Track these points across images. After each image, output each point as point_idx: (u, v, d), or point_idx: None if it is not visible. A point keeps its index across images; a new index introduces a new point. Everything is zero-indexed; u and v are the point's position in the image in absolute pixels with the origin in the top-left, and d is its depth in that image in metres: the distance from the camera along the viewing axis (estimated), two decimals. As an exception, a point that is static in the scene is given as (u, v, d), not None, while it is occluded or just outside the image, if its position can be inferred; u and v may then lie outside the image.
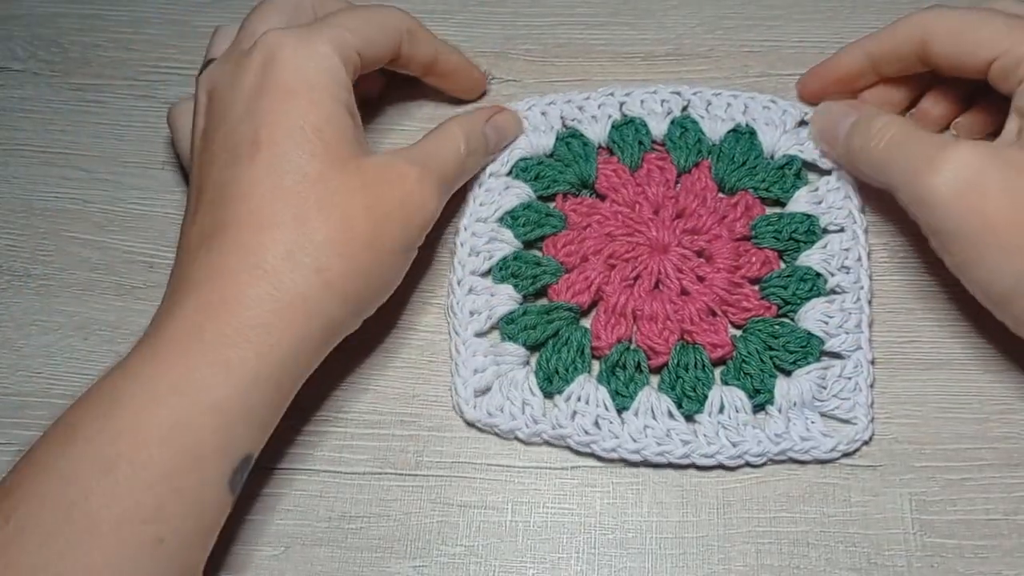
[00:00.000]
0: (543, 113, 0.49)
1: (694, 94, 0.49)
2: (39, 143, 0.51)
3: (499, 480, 0.43)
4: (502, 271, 0.45)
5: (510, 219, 0.46)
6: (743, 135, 0.48)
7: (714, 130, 0.48)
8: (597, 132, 0.48)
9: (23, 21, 0.54)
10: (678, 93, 0.49)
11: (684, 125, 0.48)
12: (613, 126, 0.48)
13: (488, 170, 0.48)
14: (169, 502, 0.35)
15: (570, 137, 0.48)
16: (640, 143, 0.48)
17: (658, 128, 0.48)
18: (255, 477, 0.43)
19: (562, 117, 0.49)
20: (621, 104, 0.49)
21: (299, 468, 0.43)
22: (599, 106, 0.49)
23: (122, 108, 0.52)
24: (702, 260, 0.46)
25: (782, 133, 0.47)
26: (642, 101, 0.49)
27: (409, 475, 0.43)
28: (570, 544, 0.42)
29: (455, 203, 0.47)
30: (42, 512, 0.34)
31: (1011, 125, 0.41)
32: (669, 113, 0.49)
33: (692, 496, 0.42)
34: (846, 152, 0.44)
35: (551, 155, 0.48)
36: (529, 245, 0.47)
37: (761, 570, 0.41)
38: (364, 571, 0.41)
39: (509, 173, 0.48)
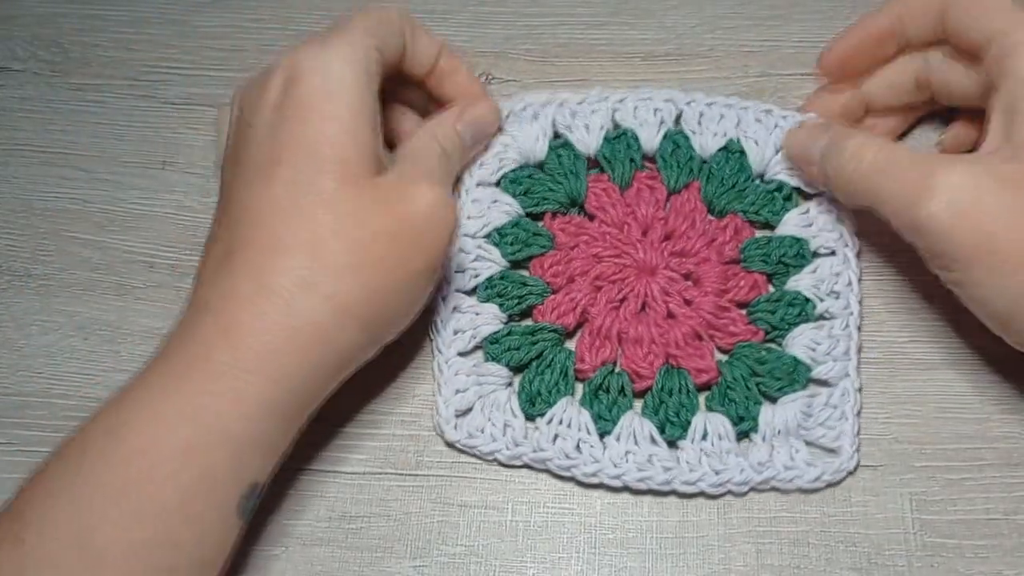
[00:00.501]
0: (535, 116, 0.48)
1: (688, 104, 0.48)
2: (39, 143, 0.51)
3: (499, 480, 0.43)
4: (488, 290, 0.45)
5: (497, 236, 0.46)
6: (733, 154, 0.47)
7: (705, 147, 0.47)
8: (588, 143, 0.47)
9: (23, 21, 0.54)
10: (671, 101, 0.48)
11: (676, 141, 0.47)
12: (605, 139, 0.47)
13: (476, 178, 0.47)
14: (180, 531, 0.35)
15: (561, 148, 0.47)
16: (631, 160, 0.47)
17: (650, 141, 0.47)
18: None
19: (554, 122, 0.48)
20: (614, 111, 0.48)
21: (299, 468, 0.43)
22: (592, 112, 0.48)
23: (122, 108, 0.52)
24: (689, 283, 0.45)
25: (772, 153, 0.46)
26: (635, 108, 0.48)
27: (409, 475, 0.43)
28: (570, 544, 0.42)
29: None
30: (54, 540, 0.33)
31: (995, 125, 0.40)
32: (662, 123, 0.48)
33: (692, 496, 0.42)
34: (823, 177, 0.43)
35: (541, 166, 0.47)
36: (516, 264, 0.46)
37: (761, 570, 0.41)
38: (364, 571, 0.41)
39: (498, 184, 0.47)
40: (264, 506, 0.42)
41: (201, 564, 0.36)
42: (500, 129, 0.47)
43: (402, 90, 0.46)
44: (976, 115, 0.44)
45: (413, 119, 0.47)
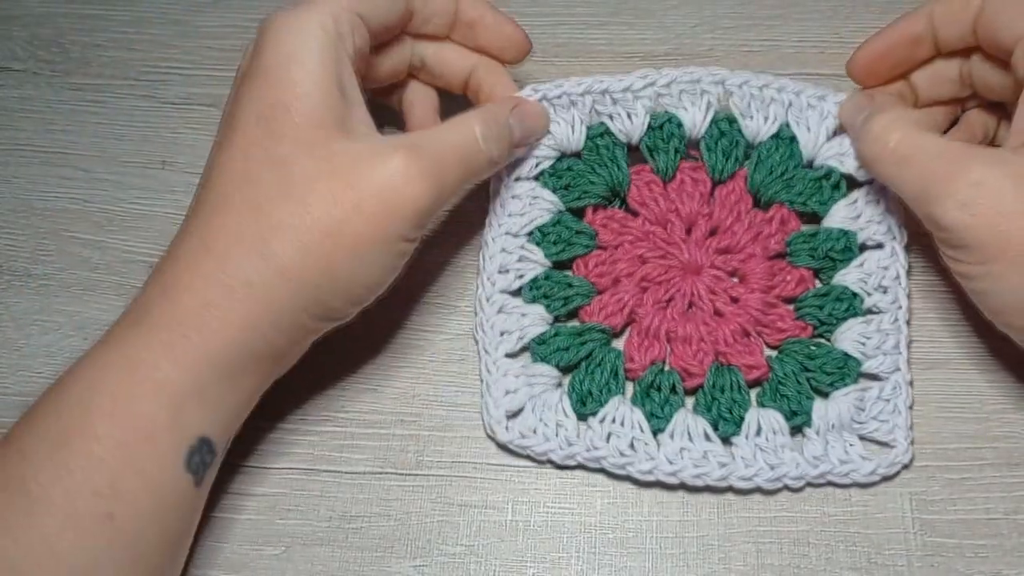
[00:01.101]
0: (572, 103, 0.46)
1: (739, 86, 0.46)
2: (39, 143, 0.51)
3: (500, 480, 0.43)
4: (533, 291, 0.45)
5: (540, 235, 0.45)
6: (783, 141, 0.46)
7: (754, 132, 0.46)
8: (631, 131, 0.46)
9: (23, 21, 0.54)
10: (720, 83, 0.46)
11: (722, 128, 0.46)
12: (650, 126, 0.46)
13: (515, 173, 0.46)
14: (121, 477, 0.35)
15: (600, 136, 0.46)
16: (676, 150, 0.46)
17: (695, 126, 0.46)
18: (256, 477, 0.43)
19: (594, 109, 0.46)
20: (658, 96, 0.46)
21: (300, 468, 0.43)
22: (635, 99, 0.46)
23: (122, 108, 0.52)
24: (735, 280, 0.45)
25: (824, 140, 0.45)
26: (681, 92, 0.46)
27: (410, 475, 0.43)
28: (570, 543, 0.42)
29: (479, 202, 0.46)
30: (3, 488, 0.35)
31: (1018, 125, 0.39)
32: (709, 107, 0.46)
33: (692, 496, 0.42)
34: (859, 155, 0.43)
35: (578, 155, 0.46)
36: (559, 264, 0.46)
37: (762, 569, 0.41)
38: (365, 570, 0.41)
39: (537, 178, 0.46)
40: (265, 506, 0.42)
41: (147, 517, 0.35)
42: (548, 132, 0.46)
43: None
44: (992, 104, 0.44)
45: (428, 101, 0.47)
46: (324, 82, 0.38)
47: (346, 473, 0.43)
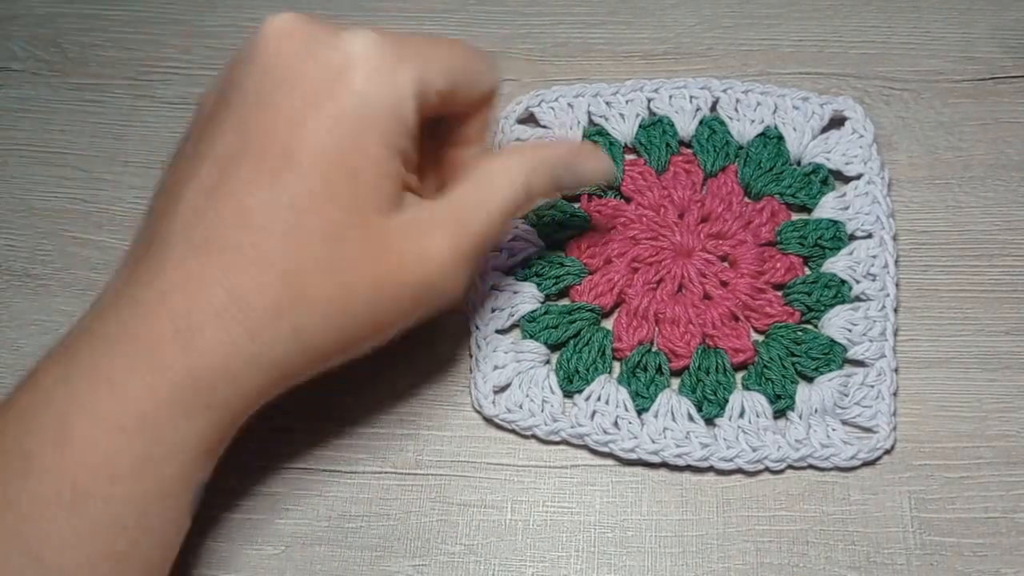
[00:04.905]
0: (569, 105, 0.49)
1: (724, 91, 0.49)
2: (39, 143, 0.51)
3: (499, 479, 0.43)
4: (526, 270, 0.46)
5: (535, 217, 0.46)
6: (771, 140, 0.48)
7: (742, 133, 0.48)
8: (624, 131, 0.48)
9: (22, 21, 0.54)
10: (707, 89, 0.49)
11: (712, 127, 0.48)
12: (640, 126, 0.48)
13: None
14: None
15: (596, 136, 0.48)
16: (667, 145, 0.48)
17: (686, 127, 0.48)
18: (255, 476, 0.43)
19: (589, 112, 0.49)
20: (649, 100, 0.49)
21: (299, 467, 0.43)
22: (627, 102, 0.49)
23: (122, 108, 0.52)
24: (726, 265, 0.46)
25: (810, 139, 0.47)
26: (670, 97, 0.49)
27: (409, 474, 0.43)
28: (570, 543, 0.42)
29: None
30: None
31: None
32: (698, 111, 0.49)
33: (692, 494, 0.42)
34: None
35: None
36: (552, 244, 0.47)
37: (761, 568, 0.41)
38: (364, 570, 0.41)
39: None
40: (264, 505, 0.42)
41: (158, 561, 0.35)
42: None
43: None
44: None
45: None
46: (399, 148, 0.35)
47: (346, 473, 0.43)
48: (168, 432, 0.33)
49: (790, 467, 0.42)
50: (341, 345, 0.36)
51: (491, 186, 0.37)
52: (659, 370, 0.44)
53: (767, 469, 0.42)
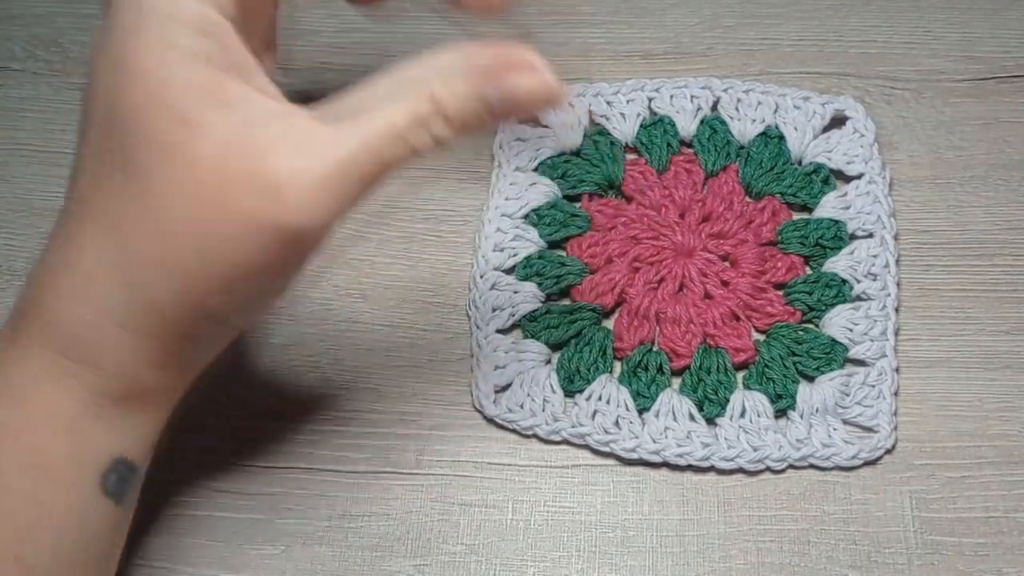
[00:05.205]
0: (570, 104, 0.49)
1: (725, 90, 0.49)
2: (39, 143, 0.51)
3: (500, 479, 0.43)
4: (526, 269, 0.46)
5: (536, 217, 0.47)
6: (772, 139, 0.48)
7: (743, 132, 0.48)
8: (625, 131, 0.48)
9: (22, 21, 0.54)
10: (708, 88, 0.49)
11: (713, 126, 0.48)
12: (642, 125, 0.49)
13: (514, 164, 0.48)
14: (23, 515, 0.32)
15: (598, 136, 0.48)
16: (668, 145, 0.48)
17: (687, 127, 0.48)
18: (256, 476, 0.43)
19: (590, 111, 0.49)
20: (650, 100, 0.49)
21: (299, 467, 0.43)
22: (628, 102, 0.49)
23: (122, 108, 0.52)
24: (727, 264, 0.46)
25: (811, 139, 0.47)
26: (671, 97, 0.49)
27: (409, 474, 0.43)
28: (571, 542, 0.42)
29: (471, 191, 0.47)
30: None
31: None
32: (699, 110, 0.49)
33: (693, 494, 0.42)
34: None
35: (578, 153, 0.48)
36: (553, 244, 0.47)
37: (762, 568, 0.41)
38: (365, 570, 0.41)
39: (536, 169, 0.48)
40: (264, 505, 0.42)
41: (62, 550, 0.33)
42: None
43: None
44: None
45: None
46: (180, 47, 0.30)
47: (346, 472, 0.43)
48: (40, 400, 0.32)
49: (791, 467, 0.42)
50: (193, 299, 0.31)
51: (371, 114, 0.29)
52: (660, 370, 0.44)
53: (768, 469, 0.42)
